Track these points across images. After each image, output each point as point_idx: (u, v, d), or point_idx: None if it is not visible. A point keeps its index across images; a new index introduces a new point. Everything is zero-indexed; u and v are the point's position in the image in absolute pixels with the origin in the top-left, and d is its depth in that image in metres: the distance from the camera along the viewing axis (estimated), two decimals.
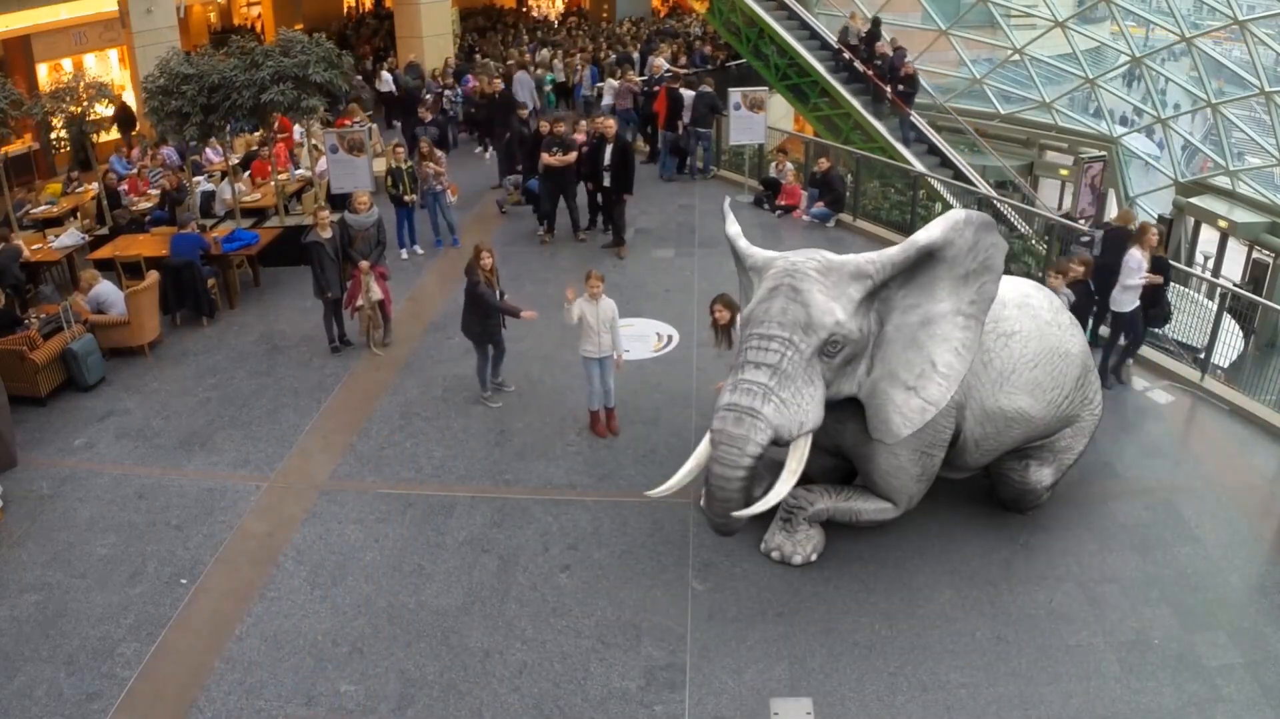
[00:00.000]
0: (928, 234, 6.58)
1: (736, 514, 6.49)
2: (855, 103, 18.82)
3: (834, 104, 19.22)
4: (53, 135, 13.99)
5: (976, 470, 7.75)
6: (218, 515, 8.14)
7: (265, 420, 9.57)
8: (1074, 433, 7.76)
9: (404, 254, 13.53)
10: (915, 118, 18.92)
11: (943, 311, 6.68)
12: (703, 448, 6.81)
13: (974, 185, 17.82)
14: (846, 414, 7.01)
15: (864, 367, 6.74)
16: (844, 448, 7.34)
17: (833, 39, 19.87)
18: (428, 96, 18.88)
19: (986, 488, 8.27)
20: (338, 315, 10.88)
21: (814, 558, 7.34)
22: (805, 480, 7.58)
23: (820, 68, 19.08)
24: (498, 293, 9.34)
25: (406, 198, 13.24)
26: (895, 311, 6.74)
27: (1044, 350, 7.32)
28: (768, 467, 7.56)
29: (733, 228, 7.44)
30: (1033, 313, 7.44)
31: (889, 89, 18.35)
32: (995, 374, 7.14)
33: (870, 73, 18.60)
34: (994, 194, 15.62)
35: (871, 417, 6.79)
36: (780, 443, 6.48)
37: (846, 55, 18.92)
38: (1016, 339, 7.25)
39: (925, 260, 6.62)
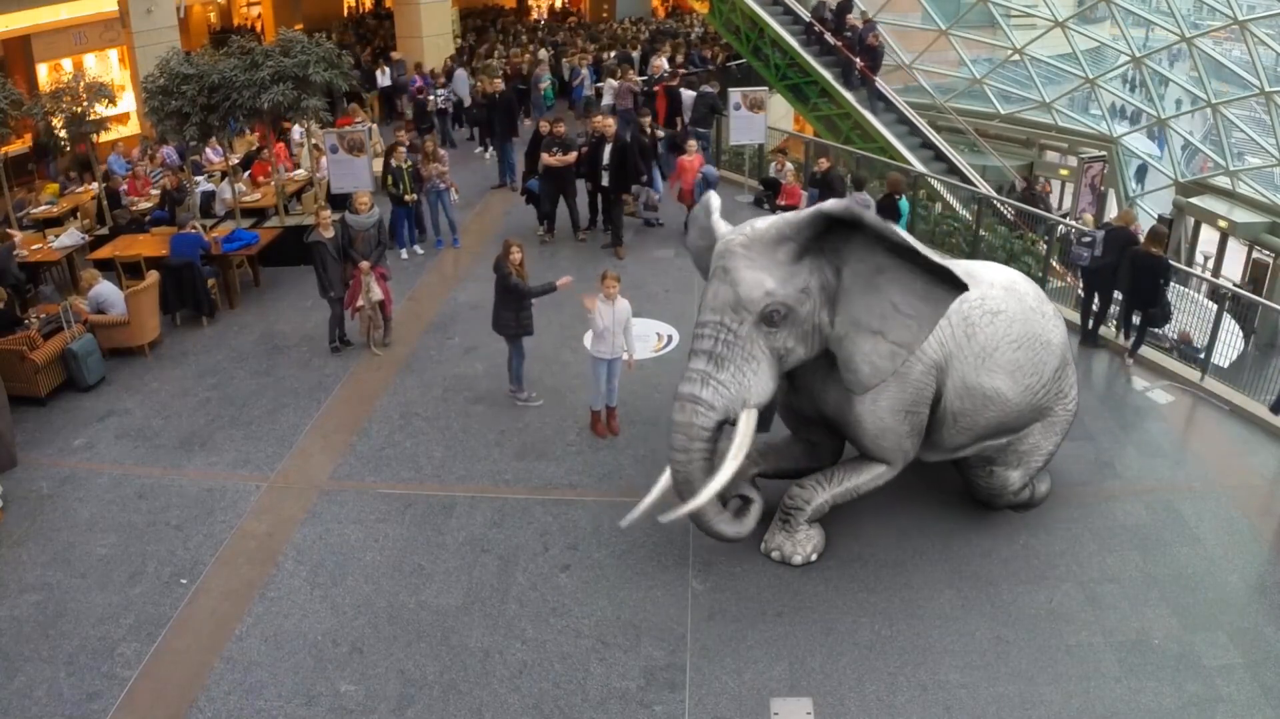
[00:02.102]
0: (831, 203, 6.65)
1: (692, 504, 6.61)
2: (827, 74, 19.11)
3: (834, 104, 19.23)
4: (56, 134, 13.95)
5: (950, 455, 7.63)
6: (218, 515, 8.14)
7: (265, 420, 9.57)
8: (1043, 429, 7.68)
9: (404, 254, 13.53)
10: (881, 85, 19.31)
11: (898, 261, 6.55)
12: (667, 474, 6.86)
13: (954, 162, 18.40)
14: (826, 381, 7.03)
15: (827, 318, 6.68)
16: (828, 416, 7.31)
17: (805, 14, 20.05)
18: (407, 109, 19.06)
19: None
20: (339, 315, 10.89)
21: (814, 558, 7.34)
22: (792, 473, 7.69)
23: (793, 41, 19.39)
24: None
25: (407, 197, 13.25)
26: (850, 260, 6.63)
27: (1027, 334, 7.30)
28: (763, 454, 7.78)
29: (718, 220, 7.34)
30: (1019, 297, 7.44)
31: (858, 60, 18.77)
32: (978, 349, 7.12)
33: (840, 44, 18.95)
34: (993, 193, 15.63)
35: (843, 369, 6.73)
36: (731, 422, 6.62)
37: (818, 28, 19.27)
38: (1002, 318, 7.23)
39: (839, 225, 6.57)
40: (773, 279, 6.48)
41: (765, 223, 6.72)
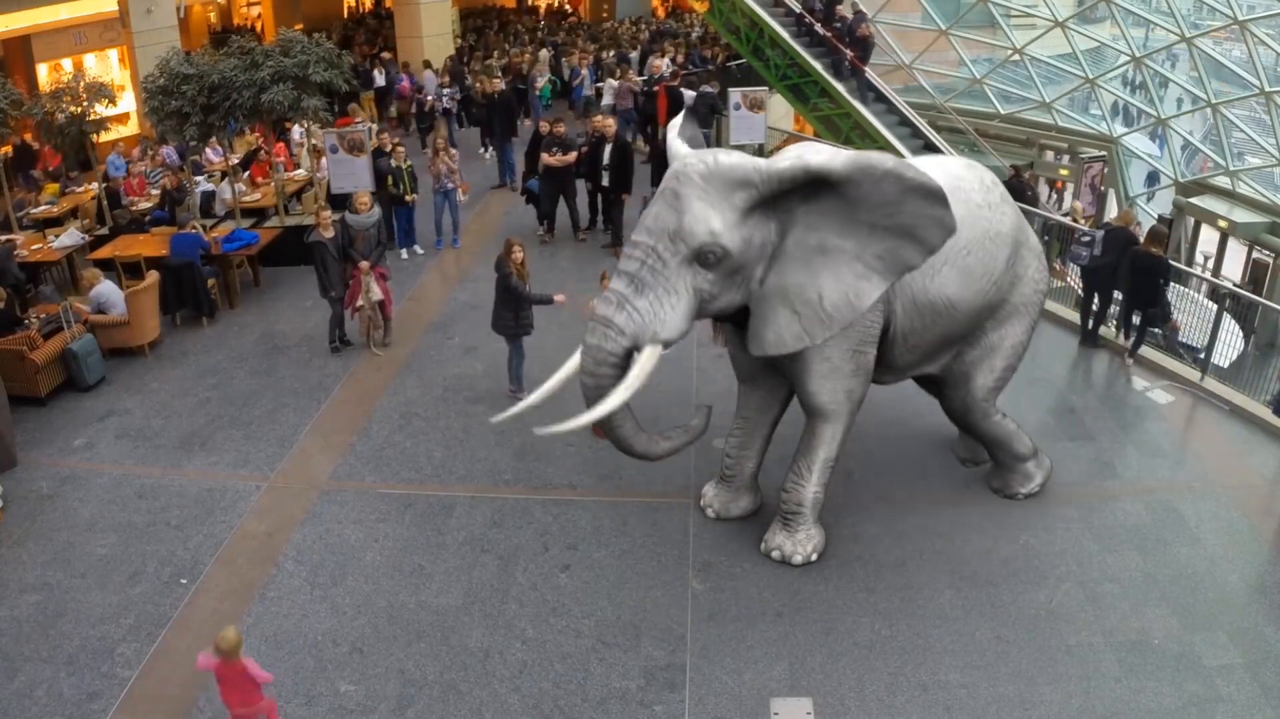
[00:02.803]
0: (824, 160, 6.15)
1: (576, 422, 6.31)
2: (825, 73, 19.13)
3: (834, 104, 19.24)
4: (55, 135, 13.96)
5: (903, 375, 7.61)
6: (218, 515, 8.14)
7: (265, 420, 9.57)
8: (995, 324, 7.54)
9: (404, 254, 13.53)
10: (871, 76, 19.39)
11: (843, 248, 6.33)
12: (574, 359, 6.61)
13: (941, 150, 18.36)
14: None
15: (758, 274, 6.44)
16: (776, 360, 7.06)
17: (796, 4, 20.12)
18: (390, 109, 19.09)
19: (980, 492, 8.28)
20: (339, 315, 10.89)
21: (814, 558, 7.34)
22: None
23: (792, 40, 19.42)
24: (528, 287, 9.36)
25: (408, 197, 13.25)
26: (797, 226, 6.37)
27: (975, 236, 7.05)
28: (744, 445, 7.65)
29: (677, 140, 6.78)
30: (964, 196, 7.02)
31: (848, 51, 18.89)
32: (925, 265, 6.68)
33: (830, 35, 19.06)
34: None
35: (751, 325, 6.57)
36: (638, 350, 6.28)
37: (808, 20, 19.35)
38: None
39: (822, 187, 6.21)
40: (721, 220, 6.14)
41: (732, 159, 6.29)
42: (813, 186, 6.21)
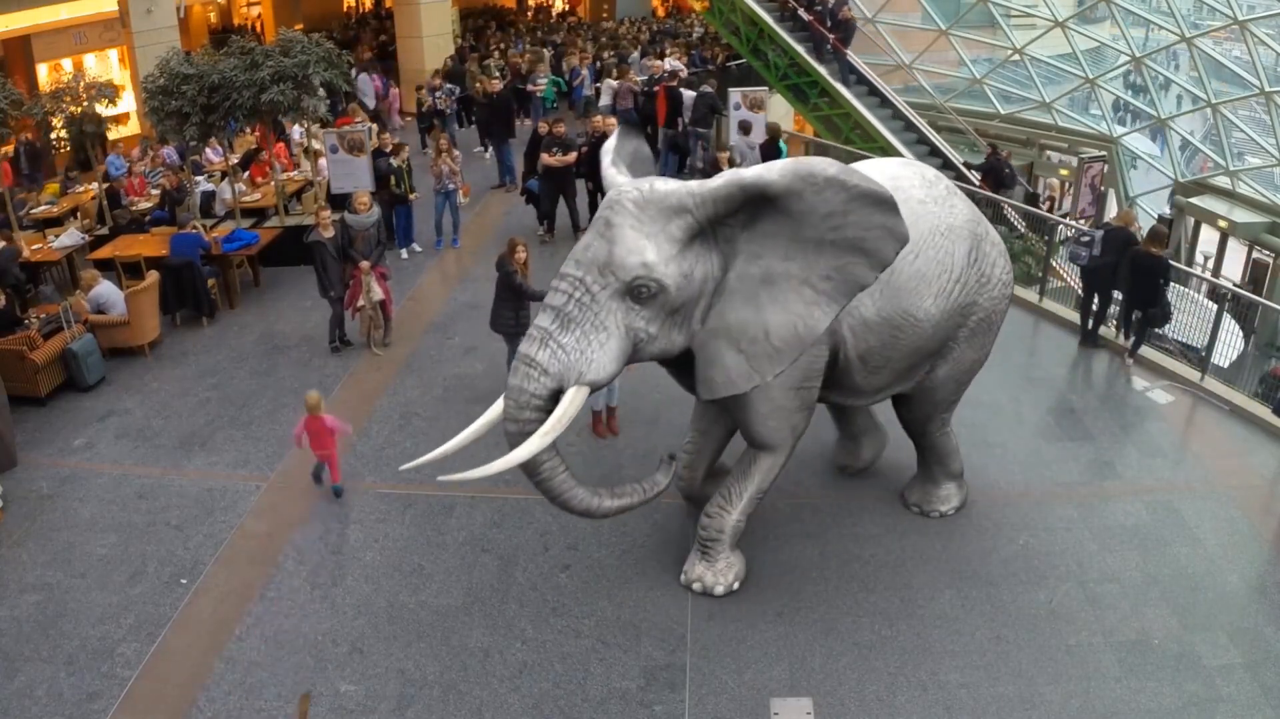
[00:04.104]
0: (760, 174, 5.69)
1: (464, 475, 5.84)
2: (800, 48, 19.28)
3: (834, 104, 19.25)
4: (53, 135, 13.96)
5: (876, 397, 7.23)
6: (218, 515, 8.14)
7: (265, 420, 9.57)
8: (968, 336, 7.06)
9: (404, 254, 13.53)
10: (853, 58, 19.52)
11: (788, 273, 5.88)
12: (496, 407, 6.10)
13: (927, 135, 18.64)
14: None
15: (700, 314, 6.00)
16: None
17: None
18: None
19: (980, 492, 8.28)
20: (339, 315, 10.89)
21: (736, 586, 7.05)
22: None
23: (790, 39, 19.53)
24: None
25: (412, 196, 13.31)
26: (739, 257, 5.94)
27: (923, 235, 6.55)
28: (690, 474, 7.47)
29: (612, 167, 6.28)
30: (903, 196, 6.48)
31: (830, 34, 19.05)
32: None
33: (812, 19, 19.19)
34: (991, 192, 15.63)
35: (698, 369, 6.15)
36: (562, 392, 5.80)
37: (791, 3, 19.53)
38: None
39: (762, 205, 5.76)
40: (655, 251, 5.69)
41: (668, 185, 5.85)
42: (753, 208, 5.78)
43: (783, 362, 5.99)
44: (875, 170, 6.76)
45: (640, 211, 5.74)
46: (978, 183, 16.44)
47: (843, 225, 5.73)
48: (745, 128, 14.86)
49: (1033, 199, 14.89)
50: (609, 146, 6.48)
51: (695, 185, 5.79)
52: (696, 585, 7.07)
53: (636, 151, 6.62)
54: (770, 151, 14.15)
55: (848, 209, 5.69)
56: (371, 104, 19.39)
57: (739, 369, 6.02)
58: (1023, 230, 14.43)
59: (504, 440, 5.97)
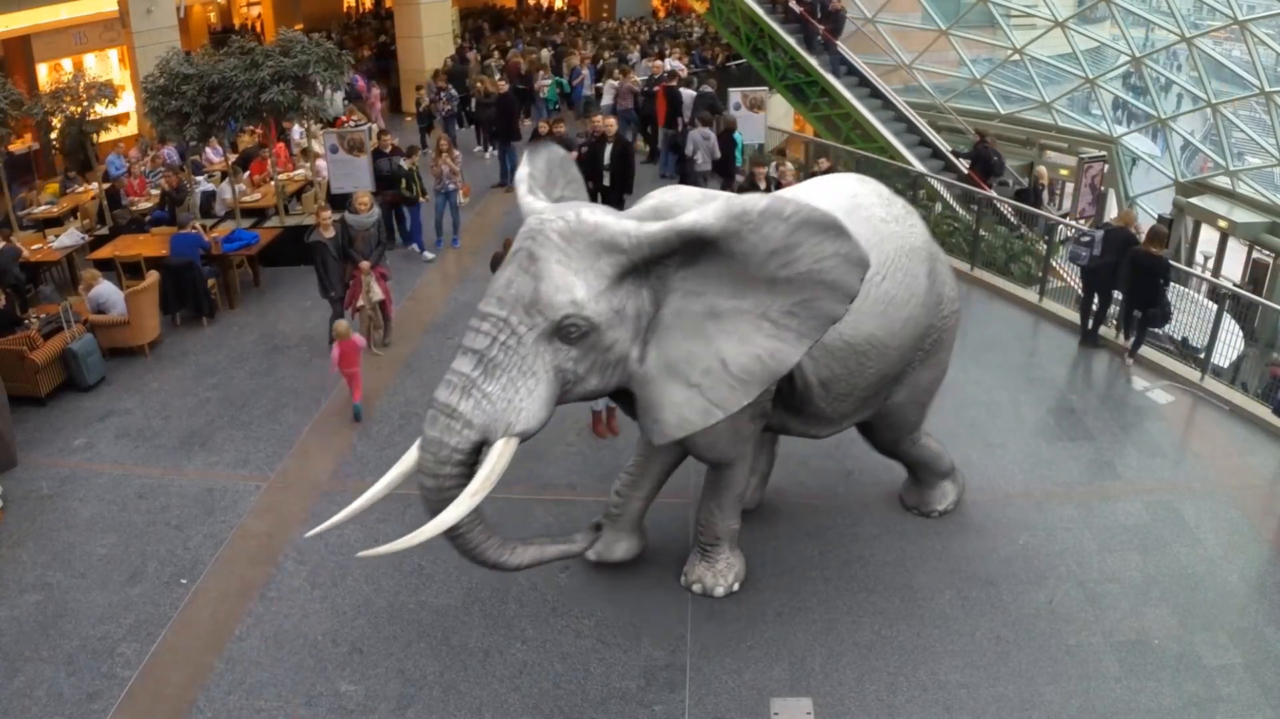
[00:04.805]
0: (696, 218, 5.28)
1: (384, 549, 5.59)
2: (790, 40, 19.39)
3: (834, 104, 19.27)
4: (53, 135, 13.97)
5: (841, 425, 6.93)
6: (218, 515, 8.14)
7: (265, 420, 9.57)
8: (923, 359, 6.88)
9: (428, 255, 13.55)
10: (842, 48, 19.68)
11: (739, 309, 5.48)
12: (411, 453, 5.67)
13: (916, 125, 18.78)
14: None
15: (635, 353, 5.56)
16: None
17: None
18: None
19: (980, 492, 8.28)
20: (339, 315, 10.88)
21: (736, 587, 7.03)
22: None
23: (790, 39, 19.58)
24: None
25: (423, 198, 13.37)
26: (674, 294, 5.52)
27: (889, 256, 6.27)
28: (630, 491, 7.03)
29: (527, 194, 5.89)
30: (865, 214, 6.30)
31: (821, 26, 19.23)
32: None
33: (802, 10, 19.34)
34: (994, 192, 15.67)
35: (641, 413, 5.72)
36: (488, 444, 5.40)
37: None
38: None
39: (701, 246, 5.37)
40: (585, 288, 5.24)
41: (596, 217, 5.38)
42: (690, 249, 5.39)
43: (749, 393, 5.55)
44: (834, 188, 6.56)
45: (567, 244, 5.29)
46: (966, 170, 16.50)
47: (792, 260, 5.31)
48: (705, 120, 15.08)
49: (1023, 195, 14.90)
50: (521, 174, 6.00)
51: (631, 226, 5.33)
52: (696, 587, 7.06)
53: (551, 161, 6.19)
54: (726, 144, 14.63)
55: (793, 242, 5.27)
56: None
57: (692, 404, 5.56)
58: (1023, 230, 14.42)
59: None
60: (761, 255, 5.31)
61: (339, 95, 19.61)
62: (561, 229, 5.32)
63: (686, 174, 15.02)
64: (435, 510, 5.42)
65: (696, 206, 5.56)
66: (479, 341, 5.30)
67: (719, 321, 5.50)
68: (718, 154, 14.66)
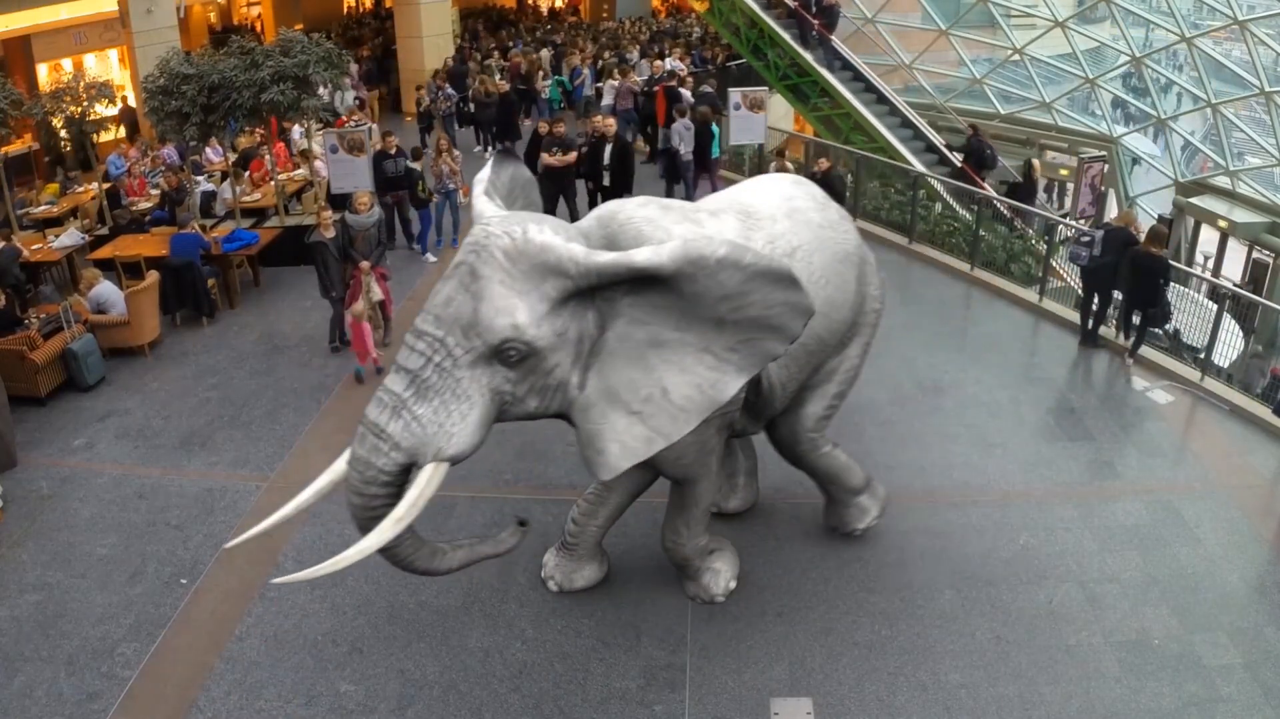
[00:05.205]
0: (651, 257, 5.15)
1: (306, 574, 5.46)
2: (785, 35, 19.46)
3: (834, 104, 19.28)
4: (54, 135, 14.00)
5: (765, 423, 6.96)
6: (218, 515, 8.14)
7: (265, 420, 9.57)
8: (840, 358, 6.90)
9: (430, 257, 13.57)
10: (837, 44, 19.80)
11: (683, 340, 5.39)
12: (339, 464, 5.60)
13: (919, 128, 18.84)
14: None
15: (576, 378, 5.44)
16: None
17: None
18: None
19: (980, 492, 8.28)
20: (339, 315, 10.90)
21: (733, 584, 7.00)
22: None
23: (789, 39, 19.65)
24: None
25: (434, 199, 13.41)
26: (620, 319, 5.39)
27: (827, 263, 6.35)
28: (592, 513, 6.87)
29: (482, 197, 5.77)
30: (804, 218, 6.34)
31: (815, 21, 19.38)
32: None
33: (796, 5, 19.46)
34: (993, 193, 15.67)
35: (582, 443, 5.58)
36: (417, 467, 5.23)
37: None
38: (799, 256, 6.14)
39: (653, 282, 5.25)
40: (527, 312, 5.09)
41: (544, 237, 5.17)
42: (639, 282, 5.28)
43: (690, 422, 5.44)
44: (773, 199, 6.47)
45: (511, 265, 5.11)
46: (959, 164, 16.51)
47: (743, 306, 5.28)
48: (681, 112, 15.22)
49: (1016, 188, 14.93)
50: (483, 175, 5.96)
51: (579, 252, 5.18)
52: (697, 600, 7.01)
53: (515, 178, 6.12)
54: (704, 136, 14.82)
55: (746, 289, 5.23)
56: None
57: (634, 432, 5.43)
58: (1017, 223, 14.44)
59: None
60: (713, 298, 5.25)
61: (350, 95, 19.69)
62: (506, 247, 5.13)
63: (671, 165, 15.23)
64: (364, 527, 5.31)
65: (644, 223, 5.63)
66: (413, 361, 5.16)
67: (661, 351, 5.41)
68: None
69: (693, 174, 15.01)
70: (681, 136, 14.92)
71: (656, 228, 5.68)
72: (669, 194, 14.45)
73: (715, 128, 15.23)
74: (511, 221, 5.26)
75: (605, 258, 5.18)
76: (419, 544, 5.56)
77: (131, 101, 17.66)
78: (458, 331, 5.11)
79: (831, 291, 6.40)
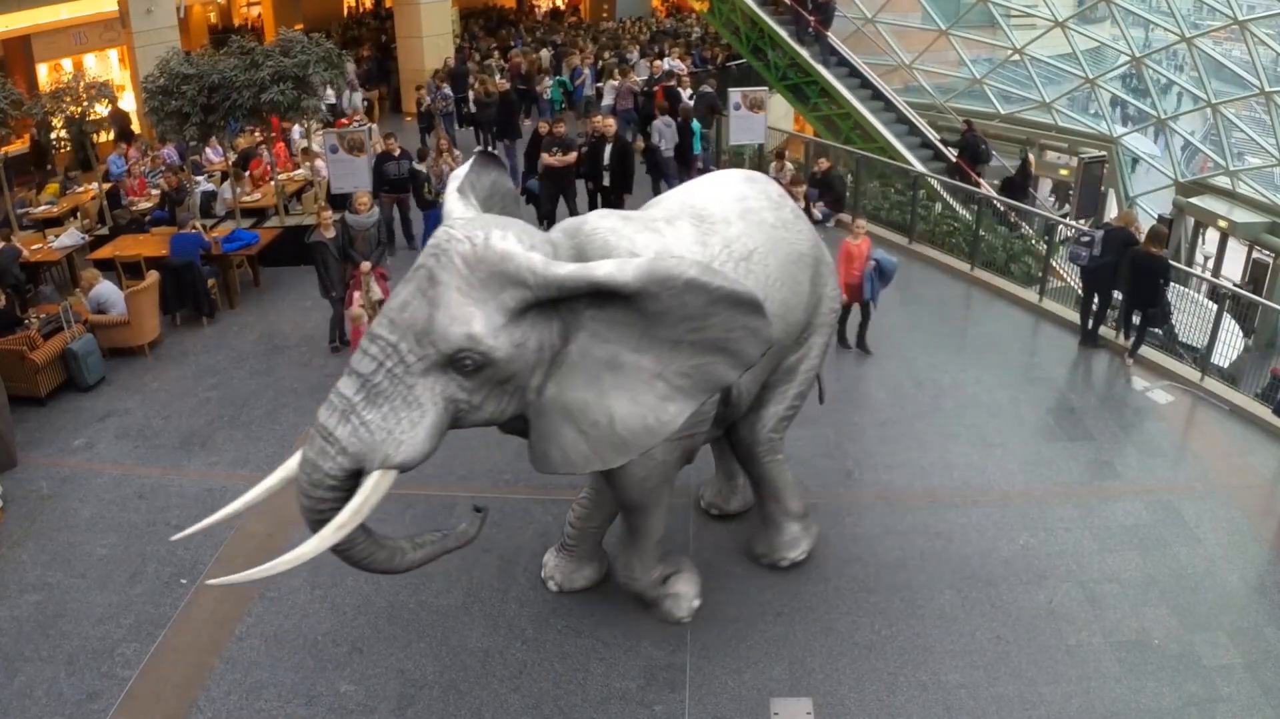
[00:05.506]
0: (614, 272, 5.05)
1: (247, 575, 5.26)
2: (782, 31, 19.53)
3: (834, 104, 19.28)
4: (53, 135, 13.98)
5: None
6: None
7: (265, 420, 9.57)
8: (795, 347, 6.79)
9: None
10: (833, 39, 19.89)
11: (639, 364, 5.29)
12: (292, 462, 5.42)
13: (914, 123, 18.87)
14: None
15: (535, 382, 5.34)
16: None
17: None
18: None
19: (980, 492, 8.28)
20: (340, 315, 10.90)
21: (697, 603, 6.85)
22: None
23: (789, 39, 19.70)
24: None
25: (441, 200, 13.40)
26: (583, 332, 5.29)
27: (782, 265, 6.29)
28: (586, 519, 6.87)
29: (454, 196, 5.67)
30: (758, 219, 6.27)
31: (811, 16, 19.50)
32: None
33: (792, 1, 19.55)
34: (992, 191, 15.68)
35: (533, 439, 5.51)
36: (365, 473, 5.05)
37: None
38: (756, 259, 6.09)
39: (615, 297, 5.15)
40: (484, 322, 4.97)
41: (506, 244, 5.05)
42: (602, 296, 5.18)
43: (630, 452, 5.38)
44: (727, 200, 6.35)
45: (470, 272, 4.98)
46: (954, 159, 16.50)
47: (704, 328, 5.21)
48: (664, 109, 15.42)
49: (1010, 183, 14.94)
50: (459, 173, 5.83)
51: (539, 262, 5.06)
52: (669, 618, 6.85)
53: (495, 184, 5.98)
54: (685, 132, 15.07)
55: (709, 312, 5.16)
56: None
57: (577, 450, 5.39)
58: (1013, 218, 14.44)
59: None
60: (675, 318, 5.18)
61: (357, 95, 19.70)
62: (466, 253, 4.99)
63: (655, 162, 15.27)
64: (315, 529, 5.17)
65: (609, 233, 5.60)
66: (365, 365, 5.02)
67: (617, 374, 5.31)
68: (676, 139, 15.15)
69: (674, 170, 15.04)
70: (662, 134, 15.07)
71: (621, 238, 5.64)
72: (655, 191, 14.43)
73: (697, 125, 15.42)
74: (475, 225, 5.15)
75: (566, 269, 5.10)
76: (376, 545, 5.38)
77: (123, 105, 17.66)
78: (411, 338, 4.99)
79: (786, 294, 6.34)
